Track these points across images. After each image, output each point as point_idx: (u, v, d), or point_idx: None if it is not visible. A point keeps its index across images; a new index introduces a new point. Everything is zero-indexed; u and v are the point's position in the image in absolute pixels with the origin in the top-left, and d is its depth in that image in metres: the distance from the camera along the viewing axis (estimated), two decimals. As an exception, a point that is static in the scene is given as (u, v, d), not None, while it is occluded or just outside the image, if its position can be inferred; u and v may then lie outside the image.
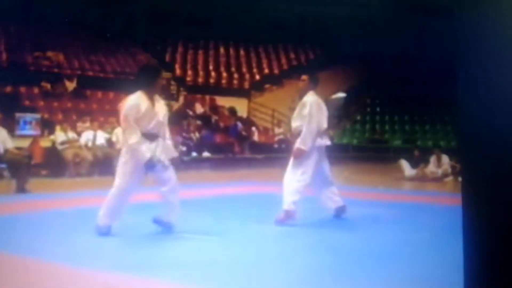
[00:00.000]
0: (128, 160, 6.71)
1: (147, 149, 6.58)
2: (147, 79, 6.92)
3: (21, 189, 10.97)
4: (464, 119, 2.45)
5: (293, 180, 7.59)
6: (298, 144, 7.61)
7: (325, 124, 7.80)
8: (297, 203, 7.52)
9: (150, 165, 6.61)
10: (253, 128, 24.10)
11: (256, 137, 23.59)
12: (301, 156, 7.59)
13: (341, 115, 28.58)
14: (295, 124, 7.82)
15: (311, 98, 7.76)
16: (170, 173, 6.92)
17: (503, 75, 2.36)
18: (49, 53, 22.85)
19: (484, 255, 2.40)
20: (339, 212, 7.98)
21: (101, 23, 26.68)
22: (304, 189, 7.60)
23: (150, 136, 6.71)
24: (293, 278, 4.94)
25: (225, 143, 22.04)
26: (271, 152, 22.69)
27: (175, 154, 7.21)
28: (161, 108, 6.91)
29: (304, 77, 8.09)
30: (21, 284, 4.66)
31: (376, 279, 4.88)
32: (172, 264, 5.37)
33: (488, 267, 2.40)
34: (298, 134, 7.69)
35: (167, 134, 7.10)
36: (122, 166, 6.76)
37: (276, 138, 24.37)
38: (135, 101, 6.71)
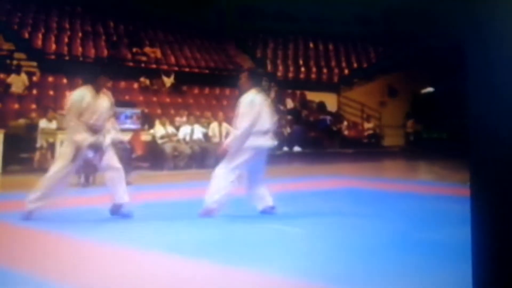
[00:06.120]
0: (69, 144, 7.18)
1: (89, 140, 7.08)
2: (91, 75, 7.39)
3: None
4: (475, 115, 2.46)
5: (219, 178, 7.29)
6: (225, 142, 7.59)
7: (265, 125, 7.37)
8: (219, 201, 7.23)
9: (94, 149, 7.11)
10: (344, 123, 24.34)
11: (345, 131, 23.85)
12: (224, 154, 7.37)
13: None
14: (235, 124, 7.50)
15: (248, 98, 7.37)
16: (114, 161, 7.30)
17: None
18: (147, 49, 23.79)
19: (493, 247, 2.42)
20: (269, 211, 7.49)
21: (195, 20, 27.41)
22: (231, 187, 7.29)
23: (94, 129, 7.13)
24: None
25: (315, 137, 22.34)
26: (361, 147, 22.90)
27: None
28: (103, 102, 7.28)
29: (244, 74, 7.73)
30: (122, 273, 4.86)
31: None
32: (262, 255, 5.50)
33: (496, 260, 2.42)
34: None
35: (111, 126, 7.70)
36: (63, 151, 7.30)
37: (366, 133, 24.54)
38: (79, 94, 7.22)
